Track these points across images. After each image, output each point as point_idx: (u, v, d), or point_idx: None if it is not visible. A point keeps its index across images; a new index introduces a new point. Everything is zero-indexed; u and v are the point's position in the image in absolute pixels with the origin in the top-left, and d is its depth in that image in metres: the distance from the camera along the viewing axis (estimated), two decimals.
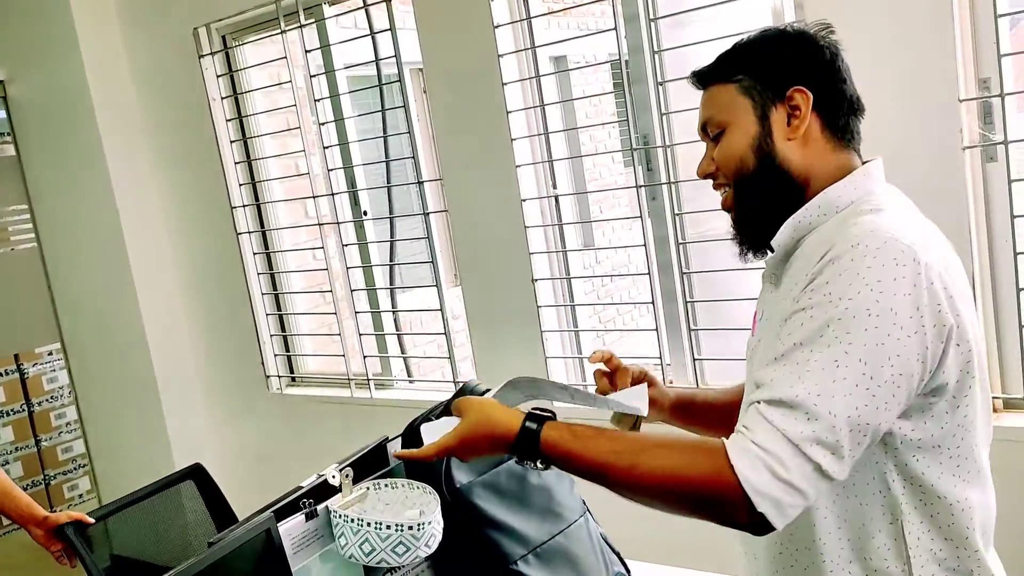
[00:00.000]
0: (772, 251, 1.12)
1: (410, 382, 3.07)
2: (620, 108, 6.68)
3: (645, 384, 1.34)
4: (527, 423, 1.08)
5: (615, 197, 6.19)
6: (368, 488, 1.42)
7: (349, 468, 1.42)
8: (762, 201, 1.11)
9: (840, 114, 1.10)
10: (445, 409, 1.54)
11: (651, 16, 2.15)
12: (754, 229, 1.13)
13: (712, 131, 1.14)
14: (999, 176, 1.80)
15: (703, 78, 1.15)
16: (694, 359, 2.27)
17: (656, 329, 2.32)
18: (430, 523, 1.33)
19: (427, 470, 1.46)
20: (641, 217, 2.30)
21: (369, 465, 1.51)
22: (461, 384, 1.61)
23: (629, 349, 3.72)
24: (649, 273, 2.31)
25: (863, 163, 1.11)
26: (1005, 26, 1.70)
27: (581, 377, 2.62)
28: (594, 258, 6.24)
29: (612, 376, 1.37)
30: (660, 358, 2.35)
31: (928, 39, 1.76)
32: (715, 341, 2.30)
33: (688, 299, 2.26)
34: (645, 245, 2.29)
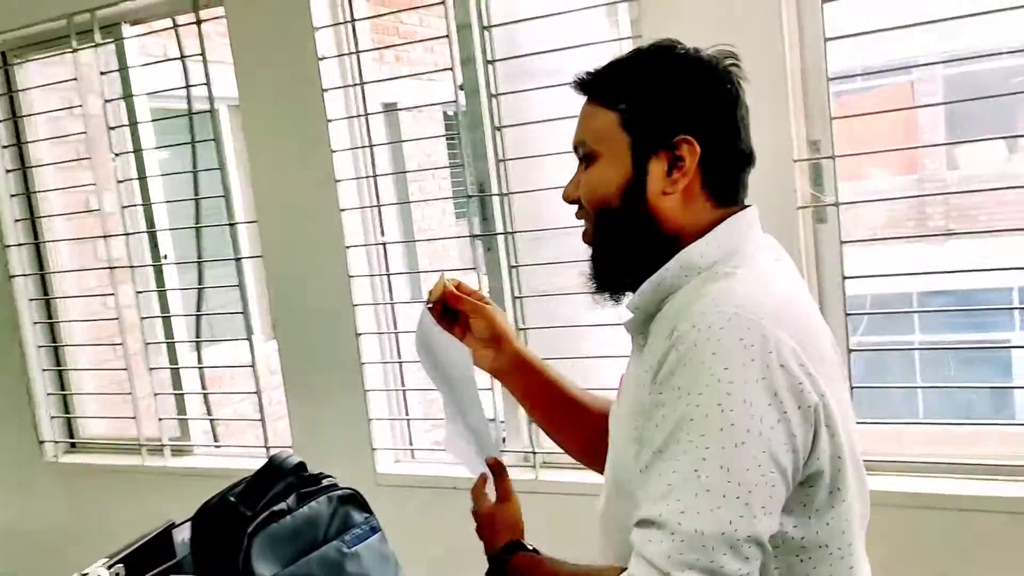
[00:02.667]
0: (628, 302, 1.01)
1: (216, 447, 2.75)
2: (454, 158, 6.62)
3: (468, 350, 1.17)
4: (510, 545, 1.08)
5: (445, 249, 6.08)
6: None
7: (120, 565, 1.15)
8: (623, 246, 0.99)
9: (729, 172, 0.99)
10: (251, 485, 1.32)
11: (488, 58, 2.04)
12: (609, 273, 1.02)
13: (582, 154, 1.02)
14: (829, 237, 1.81)
15: (585, 88, 1.02)
16: (529, 421, 2.14)
17: (491, 389, 2.17)
18: None
19: (222, 559, 1.22)
20: (476, 269, 2.16)
21: (150, 557, 1.25)
22: (270, 456, 1.38)
23: None
24: None
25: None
26: (835, 89, 1.71)
27: (408, 441, 2.42)
28: None
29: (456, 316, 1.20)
30: (494, 419, 2.20)
31: (763, 97, 1.73)
32: None
33: None
34: None
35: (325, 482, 1.39)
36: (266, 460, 1.36)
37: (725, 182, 0.98)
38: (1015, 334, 7.96)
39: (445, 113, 6.53)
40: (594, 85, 1.01)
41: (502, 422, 2.21)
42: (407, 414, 2.41)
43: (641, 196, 0.97)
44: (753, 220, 1.00)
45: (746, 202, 1.01)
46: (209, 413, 2.85)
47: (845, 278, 1.76)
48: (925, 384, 6.68)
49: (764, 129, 1.76)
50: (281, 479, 1.33)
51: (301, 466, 1.38)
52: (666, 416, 0.85)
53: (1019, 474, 1.72)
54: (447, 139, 6.32)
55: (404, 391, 2.40)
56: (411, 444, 2.41)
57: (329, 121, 2.24)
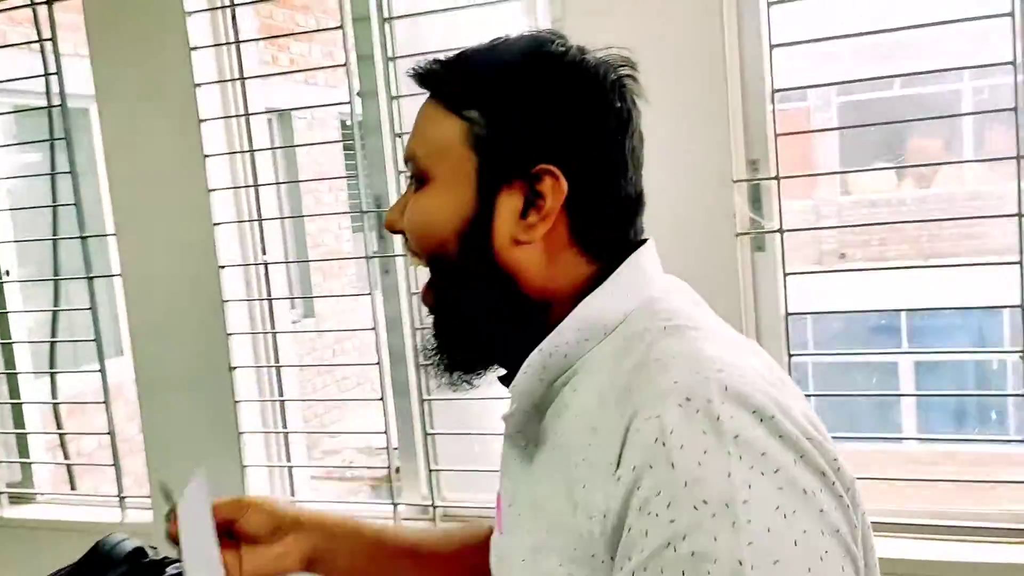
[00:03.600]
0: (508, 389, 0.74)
1: (59, 495, 2.38)
2: (351, 169, 6.30)
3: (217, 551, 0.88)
4: None
5: (341, 268, 5.73)
6: None
7: None
8: (468, 309, 0.74)
9: (606, 220, 0.73)
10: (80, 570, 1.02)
11: (389, 55, 1.79)
12: (456, 345, 0.76)
13: (412, 170, 0.76)
14: (769, 267, 1.63)
15: (426, 81, 0.76)
16: (429, 469, 1.88)
17: (385, 432, 1.90)
18: None
19: None
20: (371, 295, 1.89)
21: None
22: (96, 542, 1.08)
23: (351, 455, 3.26)
24: (379, 362, 1.90)
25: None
26: (818, 101, 1.53)
27: (290, 490, 2.12)
28: (318, 337, 5.69)
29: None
30: (388, 467, 1.93)
31: (702, 111, 1.55)
32: (454, 446, 1.93)
33: (424, 396, 1.88)
34: (375, 328, 1.88)
35: (170, 569, 1.10)
36: (90, 548, 1.06)
37: (600, 234, 0.73)
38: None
39: (342, 123, 6.22)
40: (438, 79, 0.75)
41: (396, 470, 1.94)
42: (289, 460, 2.11)
43: (486, 242, 0.72)
44: (655, 258, 0.77)
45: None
46: (64, 453, 2.48)
47: (789, 314, 1.57)
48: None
49: (701, 145, 1.59)
50: (109, 572, 1.03)
51: (138, 552, 1.08)
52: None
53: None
54: (344, 148, 6.01)
55: (287, 433, 2.11)
56: (293, 494, 2.11)
57: (202, 121, 1.94)
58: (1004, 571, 1.50)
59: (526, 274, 0.72)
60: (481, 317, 0.74)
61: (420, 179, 0.75)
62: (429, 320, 0.78)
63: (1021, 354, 1.48)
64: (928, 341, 8.07)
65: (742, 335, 0.76)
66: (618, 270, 0.72)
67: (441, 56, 0.76)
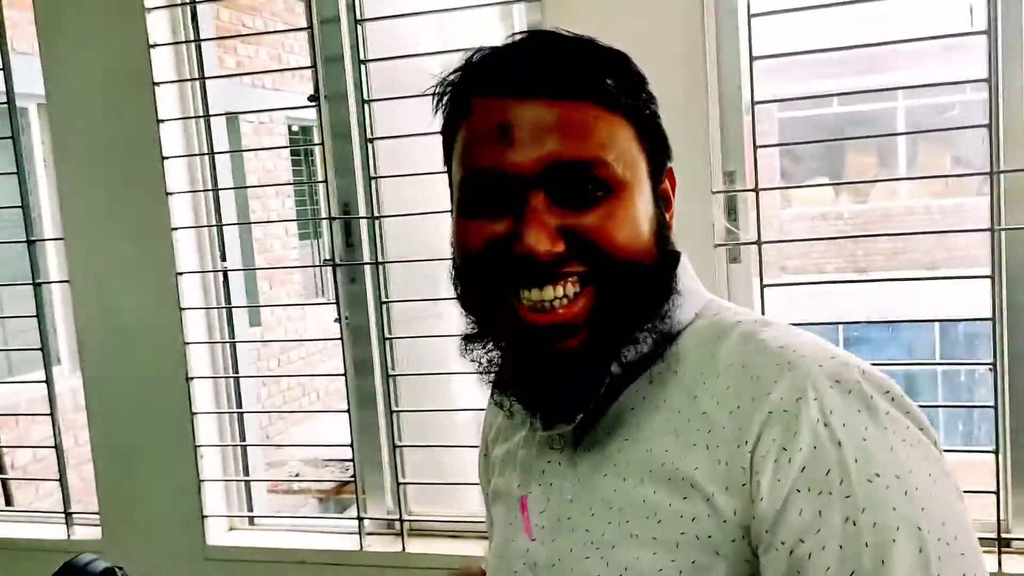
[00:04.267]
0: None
1: (3, 511, 2.26)
2: (298, 175, 6.17)
3: None
4: None
5: (288, 274, 5.63)
6: None
7: None
8: (650, 302, 0.72)
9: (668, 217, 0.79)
10: None
11: (360, 57, 1.75)
12: (605, 368, 0.71)
13: (596, 179, 0.68)
14: (743, 278, 1.64)
15: (575, 85, 0.68)
16: (397, 483, 1.83)
17: (351, 445, 1.85)
18: None
19: None
20: (337, 304, 1.84)
21: None
22: (65, 563, 1.01)
23: (297, 467, 3.17)
24: (345, 373, 1.85)
25: None
26: (761, 115, 1.53)
27: (247, 505, 2.05)
28: (263, 347, 5.55)
29: None
30: (355, 479, 1.87)
31: (683, 121, 1.55)
32: (415, 456, 1.89)
33: (392, 408, 1.83)
34: (341, 338, 1.83)
35: None
36: (60, 566, 1.00)
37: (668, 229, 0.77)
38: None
39: (290, 128, 6.10)
40: (589, 80, 0.69)
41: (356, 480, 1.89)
42: (247, 473, 2.04)
43: (667, 240, 0.74)
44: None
45: None
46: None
47: None
48: None
49: (681, 156, 1.59)
50: None
51: (109, 573, 1.02)
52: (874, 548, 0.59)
53: None
54: (292, 154, 5.90)
55: (244, 447, 2.03)
56: (250, 509, 2.04)
57: (160, 122, 1.87)
58: None
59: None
60: (651, 313, 0.72)
61: (607, 187, 0.68)
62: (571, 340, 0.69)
63: (990, 366, 1.51)
64: (864, 354, 8.26)
65: None
66: (681, 265, 0.75)
67: (562, 56, 0.69)
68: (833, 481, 0.60)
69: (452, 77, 0.73)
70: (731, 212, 1.63)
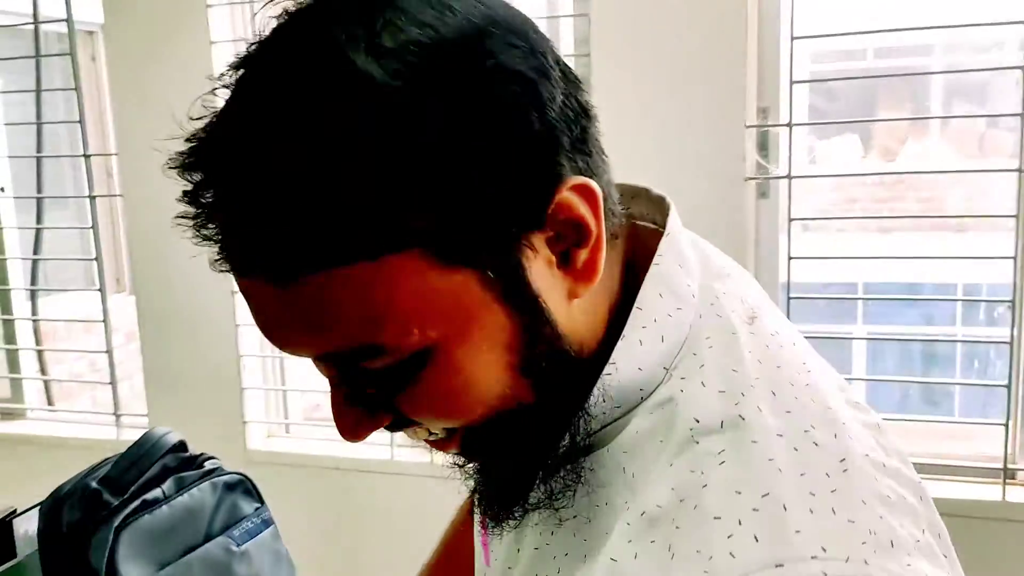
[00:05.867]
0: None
1: (51, 411, 2.38)
2: None
3: None
4: None
5: None
6: None
7: None
8: (557, 418, 0.52)
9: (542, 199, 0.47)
10: (119, 467, 1.05)
11: None
12: (521, 486, 0.54)
13: (373, 372, 0.48)
14: (771, 214, 1.70)
15: (268, 262, 0.44)
16: None
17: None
18: None
19: (79, 562, 0.97)
20: None
21: None
22: (144, 433, 1.11)
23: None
24: None
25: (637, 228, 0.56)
26: (798, 50, 1.57)
27: (283, 413, 2.16)
28: None
29: None
30: None
31: (720, 54, 1.60)
32: None
33: None
34: None
35: (208, 464, 1.15)
36: (138, 439, 1.10)
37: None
38: (957, 329, 8.23)
39: None
40: (300, 248, 0.43)
41: None
42: (284, 383, 2.15)
43: (553, 339, 0.49)
44: (678, 229, 0.55)
45: (656, 192, 0.58)
46: (44, 372, 2.47)
47: (792, 258, 1.64)
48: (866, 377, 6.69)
49: (717, 89, 1.64)
50: (156, 460, 1.07)
51: (181, 446, 1.12)
52: None
53: (956, 474, 1.68)
54: None
55: (282, 358, 2.14)
56: (287, 417, 2.15)
57: (212, 43, 1.93)
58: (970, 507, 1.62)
59: (575, 333, 0.50)
60: (556, 427, 0.52)
61: (409, 365, 0.47)
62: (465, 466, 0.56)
63: (1009, 303, 1.57)
64: (879, 320, 8.22)
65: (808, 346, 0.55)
66: (640, 301, 0.51)
67: (244, 224, 0.45)
68: None
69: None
70: (763, 149, 1.69)
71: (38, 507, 1.00)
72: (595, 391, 0.50)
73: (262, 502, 1.16)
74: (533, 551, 0.55)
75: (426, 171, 0.42)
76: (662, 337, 0.50)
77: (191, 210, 0.46)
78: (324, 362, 0.48)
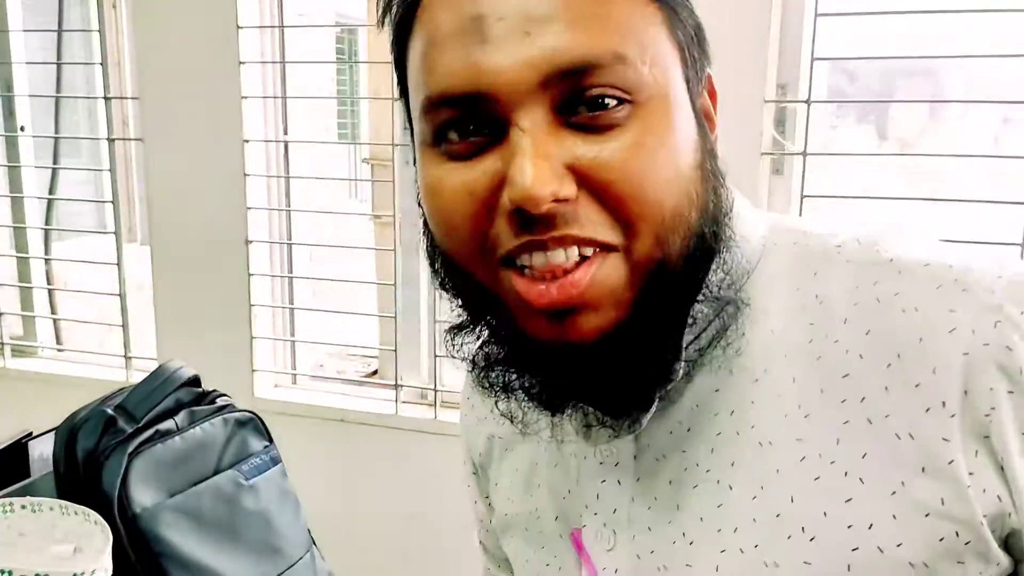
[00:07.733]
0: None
1: (61, 351, 2.42)
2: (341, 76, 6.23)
3: None
4: None
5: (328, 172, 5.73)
6: None
7: None
8: (689, 291, 0.52)
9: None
10: (134, 397, 1.07)
11: None
12: (662, 362, 0.51)
13: (606, 89, 0.47)
14: (784, 191, 1.71)
15: None
16: (434, 355, 1.96)
17: (394, 317, 1.97)
18: (93, 572, 0.87)
19: (92, 484, 1.00)
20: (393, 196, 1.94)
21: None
22: (159, 365, 1.14)
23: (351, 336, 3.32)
24: (394, 249, 1.96)
25: None
26: (821, 27, 1.56)
27: (291, 364, 2.19)
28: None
29: None
30: (395, 350, 1.99)
31: (743, 28, 1.60)
32: None
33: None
34: (394, 216, 1.94)
35: (220, 401, 1.18)
36: (153, 371, 1.13)
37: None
38: None
39: (338, 36, 6.13)
40: None
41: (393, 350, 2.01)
42: (293, 334, 2.18)
43: (717, 172, 0.53)
44: None
45: None
46: (54, 313, 2.50)
47: None
48: None
49: (738, 62, 1.65)
50: (169, 393, 1.10)
51: (195, 380, 1.15)
52: None
53: None
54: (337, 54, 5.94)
55: (292, 309, 2.17)
56: (294, 368, 2.18)
57: None
58: None
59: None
60: (701, 280, 0.53)
61: (633, 97, 0.47)
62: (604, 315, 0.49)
63: None
64: None
65: None
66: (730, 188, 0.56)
67: None
68: None
69: None
70: (779, 125, 1.70)
71: (54, 431, 1.03)
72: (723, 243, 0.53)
73: (271, 440, 1.19)
74: (716, 508, 0.51)
75: None
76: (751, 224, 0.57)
77: None
78: (556, 77, 0.46)
